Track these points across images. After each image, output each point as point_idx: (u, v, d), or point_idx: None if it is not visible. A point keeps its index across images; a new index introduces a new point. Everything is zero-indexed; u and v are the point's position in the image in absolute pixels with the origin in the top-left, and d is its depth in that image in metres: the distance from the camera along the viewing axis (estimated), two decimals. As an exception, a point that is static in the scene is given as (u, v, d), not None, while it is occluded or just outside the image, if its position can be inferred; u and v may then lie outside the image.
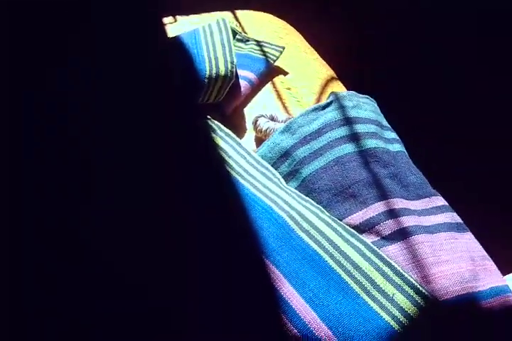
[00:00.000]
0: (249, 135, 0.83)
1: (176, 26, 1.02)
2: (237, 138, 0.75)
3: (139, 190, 0.69)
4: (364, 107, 0.75)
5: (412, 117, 0.78)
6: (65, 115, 0.75)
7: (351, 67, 0.99)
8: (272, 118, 0.82)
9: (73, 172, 0.69)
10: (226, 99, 0.84)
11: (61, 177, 0.69)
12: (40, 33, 0.88)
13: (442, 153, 0.80)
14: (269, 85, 0.91)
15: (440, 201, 0.69)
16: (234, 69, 0.81)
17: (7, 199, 0.63)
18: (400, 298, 0.55)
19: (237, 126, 0.81)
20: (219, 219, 0.65)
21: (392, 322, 0.54)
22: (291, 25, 1.09)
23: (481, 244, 0.67)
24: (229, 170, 0.69)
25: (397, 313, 0.54)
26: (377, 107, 0.78)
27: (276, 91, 0.90)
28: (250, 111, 0.86)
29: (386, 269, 0.58)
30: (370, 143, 0.69)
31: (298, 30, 1.08)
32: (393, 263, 0.58)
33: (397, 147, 0.73)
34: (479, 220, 0.69)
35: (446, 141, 1.24)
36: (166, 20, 1.05)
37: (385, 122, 0.77)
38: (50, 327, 0.57)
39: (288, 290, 0.56)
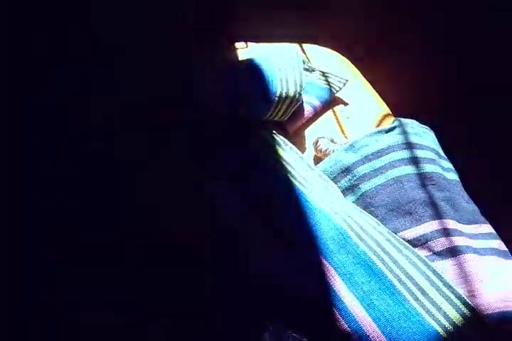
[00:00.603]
0: (309, 153, 0.88)
1: (247, 51, 1.10)
2: (300, 153, 0.80)
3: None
4: (424, 136, 0.80)
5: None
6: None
7: (406, 107, 1.03)
8: (332, 141, 0.87)
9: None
10: (290, 119, 0.89)
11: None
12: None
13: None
14: (330, 112, 0.97)
15: (489, 229, 0.72)
16: (301, 92, 0.87)
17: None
18: (448, 308, 0.58)
19: (297, 145, 0.85)
20: (280, 220, 0.69)
21: (439, 329, 0.57)
22: (353, 63, 1.15)
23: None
24: (291, 179, 0.74)
25: (444, 321, 0.57)
26: (435, 138, 0.83)
27: (337, 118, 0.96)
28: (311, 133, 0.92)
29: (436, 280, 0.61)
30: (429, 167, 0.74)
31: (359, 68, 1.14)
32: (443, 276, 0.61)
33: (453, 176, 0.77)
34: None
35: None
36: (238, 45, 1.12)
37: (441, 152, 0.82)
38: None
39: (342, 289, 0.60)
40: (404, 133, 0.78)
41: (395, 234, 0.68)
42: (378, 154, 0.76)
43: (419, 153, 0.75)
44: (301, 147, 0.89)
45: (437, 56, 1.33)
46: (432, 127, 0.86)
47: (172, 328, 0.62)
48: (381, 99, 1.08)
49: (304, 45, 1.16)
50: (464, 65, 1.37)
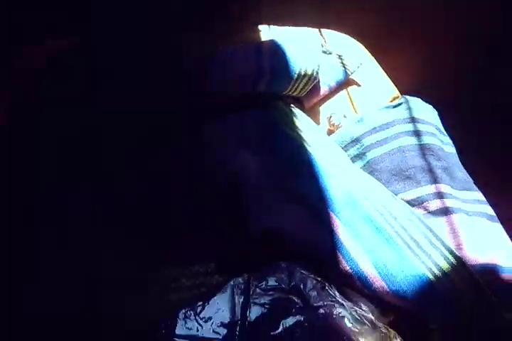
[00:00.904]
0: (322, 127, 0.97)
1: (269, 32, 1.18)
2: (315, 124, 0.89)
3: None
4: (427, 113, 0.89)
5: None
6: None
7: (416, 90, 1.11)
8: (344, 116, 0.96)
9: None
10: (307, 95, 0.98)
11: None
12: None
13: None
14: (344, 91, 1.06)
15: (480, 196, 0.81)
16: (318, 71, 0.95)
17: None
18: (438, 257, 0.67)
19: (312, 118, 0.94)
20: (294, 181, 0.78)
21: (428, 273, 0.66)
22: (367, 48, 1.23)
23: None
24: (306, 145, 0.82)
25: (432, 267, 0.66)
26: (437, 115, 0.92)
27: (349, 97, 1.05)
28: (325, 109, 1.01)
29: (429, 234, 0.70)
30: (429, 140, 0.82)
31: (372, 53, 1.22)
32: (435, 231, 0.70)
33: (451, 149, 0.86)
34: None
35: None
36: (261, 27, 1.21)
37: (442, 128, 0.90)
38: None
39: (345, 237, 0.69)
40: (409, 109, 0.87)
41: (396, 195, 0.77)
42: (385, 126, 0.85)
43: (421, 127, 0.84)
44: (316, 121, 0.98)
45: (449, 45, 1.41)
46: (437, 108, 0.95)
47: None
48: (391, 82, 1.16)
49: (323, 30, 1.24)
50: (477, 54, 1.44)
